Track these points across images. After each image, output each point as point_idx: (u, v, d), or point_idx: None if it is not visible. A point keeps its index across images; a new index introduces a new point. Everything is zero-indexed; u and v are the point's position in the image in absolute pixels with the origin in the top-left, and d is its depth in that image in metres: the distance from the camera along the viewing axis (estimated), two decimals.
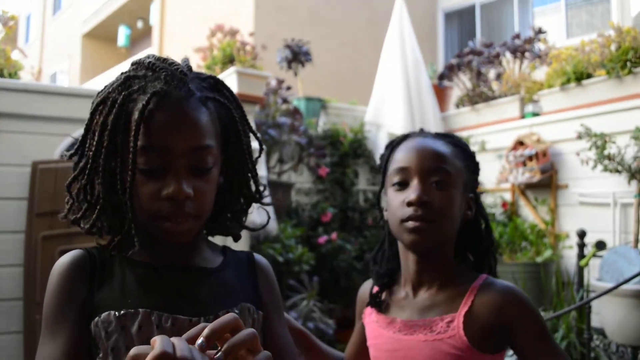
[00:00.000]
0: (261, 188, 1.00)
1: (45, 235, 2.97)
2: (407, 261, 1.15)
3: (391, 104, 4.55)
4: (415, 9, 5.08)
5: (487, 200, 4.55)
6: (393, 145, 1.20)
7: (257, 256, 1.01)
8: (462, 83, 4.94)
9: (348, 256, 4.08)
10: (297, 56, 4.55)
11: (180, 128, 0.82)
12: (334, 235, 4.08)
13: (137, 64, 0.87)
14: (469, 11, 8.94)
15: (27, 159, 3.02)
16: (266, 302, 0.95)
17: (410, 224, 1.07)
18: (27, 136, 3.08)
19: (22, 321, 2.92)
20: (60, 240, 3.03)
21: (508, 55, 4.77)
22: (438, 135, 1.19)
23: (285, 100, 3.81)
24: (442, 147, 1.13)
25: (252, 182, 0.96)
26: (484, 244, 1.19)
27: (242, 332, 0.63)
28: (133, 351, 0.58)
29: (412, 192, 1.08)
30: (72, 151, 0.89)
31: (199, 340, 0.61)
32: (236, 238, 1.01)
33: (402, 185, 1.11)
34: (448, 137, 1.19)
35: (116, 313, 0.81)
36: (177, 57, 0.93)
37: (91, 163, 0.84)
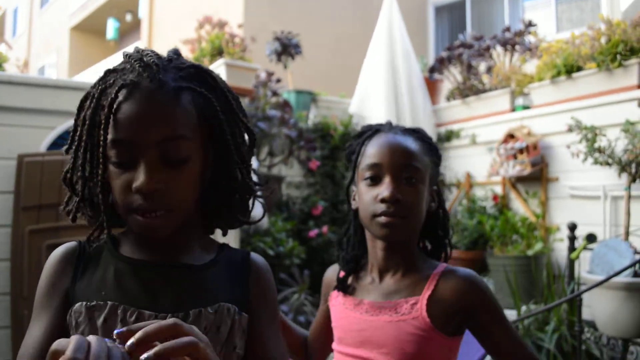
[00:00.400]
0: (255, 179, 0.97)
1: (32, 229, 2.93)
2: (375, 249, 1.21)
3: (378, 96, 4.53)
4: (405, 2, 5.06)
5: (478, 193, 4.55)
6: (364, 139, 1.23)
7: (255, 257, 0.98)
8: (452, 76, 4.93)
9: None
10: (287, 49, 4.52)
11: (148, 119, 0.80)
12: (324, 228, 4.07)
13: (123, 57, 0.86)
14: (460, 5, 8.92)
15: (12, 152, 2.98)
16: (255, 304, 0.91)
17: (383, 219, 1.13)
18: (13, 129, 3.04)
19: (9, 316, 2.88)
20: (48, 234, 2.99)
21: (498, 48, 4.76)
22: (407, 131, 1.23)
23: (275, 93, 3.78)
24: (412, 144, 1.19)
25: (238, 174, 0.92)
26: (442, 234, 1.27)
27: (181, 338, 0.62)
28: (54, 346, 0.59)
29: (385, 189, 1.13)
30: (66, 146, 0.89)
31: (129, 342, 0.59)
32: (224, 232, 0.99)
33: (374, 180, 1.16)
34: (416, 133, 1.23)
35: (87, 304, 0.82)
36: (166, 50, 0.91)
37: (73, 157, 0.85)
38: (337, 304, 1.25)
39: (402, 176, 1.14)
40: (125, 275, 0.86)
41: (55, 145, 3.15)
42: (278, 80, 3.85)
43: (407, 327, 1.10)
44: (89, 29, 13.24)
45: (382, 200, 1.12)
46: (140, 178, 0.78)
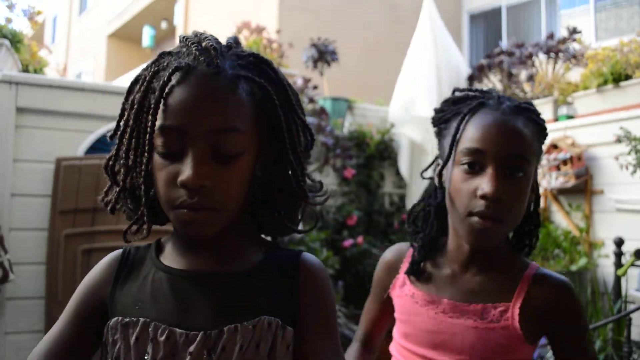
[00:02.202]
0: (310, 183, 0.88)
1: (68, 234, 2.93)
2: (458, 240, 1.06)
3: (421, 103, 4.44)
4: (439, 10, 4.96)
5: None
6: (465, 114, 1.04)
7: (307, 257, 0.86)
8: (492, 84, 4.82)
9: (374, 260, 3.97)
10: (324, 55, 4.47)
11: (199, 108, 0.73)
12: (359, 238, 3.99)
13: (180, 41, 0.81)
14: (495, 13, 8.79)
15: (50, 156, 2.99)
16: (305, 314, 0.81)
17: (477, 221, 0.96)
18: (51, 132, 3.05)
19: (43, 320, 2.88)
20: (83, 239, 2.99)
21: (541, 55, 4.63)
22: (518, 110, 1.02)
23: (311, 100, 3.73)
24: (524, 128, 0.99)
25: (293, 177, 0.83)
26: (532, 225, 1.11)
27: None
28: None
29: (486, 184, 0.95)
30: (111, 132, 0.83)
31: None
32: (273, 239, 0.91)
33: (474, 167, 0.99)
34: (527, 112, 1.02)
35: (121, 320, 0.77)
36: None
37: (117, 143, 0.79)
38: (403, 294, 1.10)
39: (508, 168, 0.97)
40: (162, 286, 0.80)
41: (92, 149, 3.15)
42: (315, 87, 3.80)
43: (495, 337, 0.98)
44: (125, 37, 13.47)
45: (482, 197, 0.95)
46: (186, 171, 0.71)
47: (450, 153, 1.04)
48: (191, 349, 0.73)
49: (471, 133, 1.00)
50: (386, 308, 1.17)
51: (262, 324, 0.76)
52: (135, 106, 0.76)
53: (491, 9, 8.86)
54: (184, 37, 0.80)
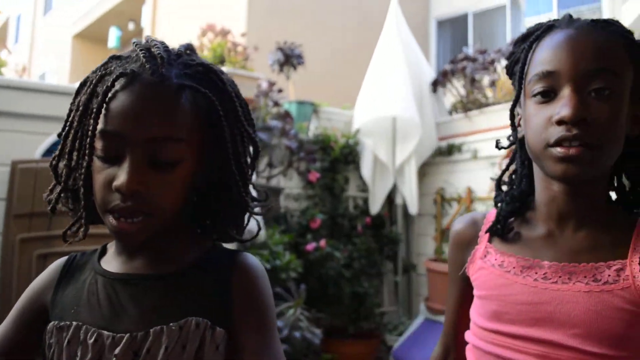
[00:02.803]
0: (254, 194, 0.90)
1: (23, 238, 2.86)
2: (550, 191, 0.89)
3: (384, 108, 4.48)
4: (407, 16, 5.02)
5: (479, 208, 4.49)
6: (532, 39, 0.90)
7: (244, 258, 0.85)
8: (455, 89, 4.89)
9: (337, 264, 4.00)
10: (289, 59, 4.48)
11: (141, 114, 0.74)
12: (322, 242, 4.00)
13: (132, 45, 0.82)
14: (462, 19, 8.93)
15: (6, 158, 2.92)
16: (240, 315, 0.80)
17: (561, 150, 0.80)
18: (7, 134, 2.98)
19: None
20: (39, 243, 2.92)
21: (503, 62, 4.72)
22: (596, 24, 0.86)
23: (276, 103, 3.73)
24: (604, 39, 0.83)
25: (235, 187, 0.84)
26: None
27: None
28: None
29: (564, 107, 0.80)
30: (59, 130, 0.85)
31: None
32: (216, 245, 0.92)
33: (548, 95, 0.84)
34: (610, 25, 0.86)
35: (57, 324, 0.79)
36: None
37: (62, 144, 0.81)
38: (488, 265, 0.93)
39: (590, 87, 0.81)
40: (97, 290, 0.82)
41: (50, 152, 3.09)
42: (280, 91, 3.80)
43: (615, 301, 0.79)
44: (91, 37, 13.25)
45: (560, 122, 0.80)
46: (121, 176, 0.73)
47: (520, 87, 0.90)
48: (117, 351, 0.75)
49: (540, 56, 0.86)
50: (467, 293, 0.99)
51: (189, 324, 0.77)
52: (80, 108, 0.78)
53: (458, 16, 9.00)
54: (135, 43, 0.81)
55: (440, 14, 9.22)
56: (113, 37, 12.75)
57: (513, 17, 8.20)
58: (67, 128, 0.81)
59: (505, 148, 1.03)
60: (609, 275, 0.81)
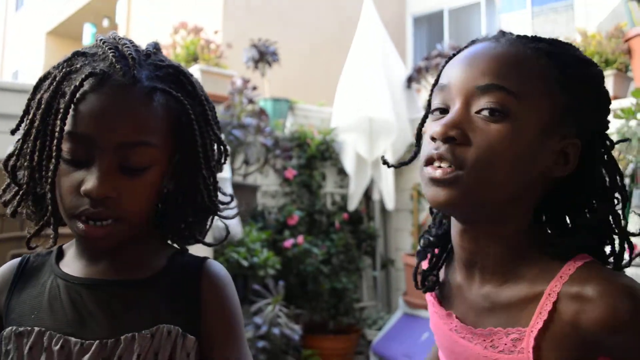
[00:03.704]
0: (223, 198, 0.89)
1: None
2: (453, 230, 0.81)
3: (358, 105, 4.50)
4: (383, 13, 5.05)
5: None
6: (452, 54, 0.82)
7: (210, 265, 0.85)
8: (429, 85, 4.93)
9: (315, 260, 4.01)
10: (264, 56, 4.47)
11: (111, 118, 0.72)
12: (300, 238, 4.01)
13: (95, 41, 0.78)
14: (438, 16, 8.99)
15: None
16: (208, 322, 0.81)
17: (428, 171, 0.73)
18: None
19: None
20: (12, 244, 2.88)
21: None
22: (520, 38, 0.76)
23: (251, 101, 3.72)
24: (510, 51, 0.73)
25: (205, 192, 0.83)
26: (598, 215, 0.76)
27: None
28: None
29: (436, 123, 0.73)
30: (14, 127, 0.81)
31: None
32: (180, 247, 0.90)
33: (441, 112, 0.76)
34: (538, 41, 0.75)
35: (16, 329, 0.75)
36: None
37: (21, 143, 0.77)
38: (430, 308, 0.91)
39: (479, 103, 0.71)
40: (59, 294, 0.78)
41: None
42: (254, 88, 3.79)
43: None
44: (65, 34, 13.03)
45: (432, 138, 0.73)
46: (91, 181, 0.71)
47: (429, 103, 0.83)
48: (85, 358, 0.73)
49: (444, 71, 0.80)
50: None
51: (161, 332, 0.76)
52: (43, 106, 0.74)
53: (434, 12, 9.05)
54: (101, 40, 0.77)
55: (417, 10, 9.27)
56: (88, 34, 12.56)
57: (488, 14, 8.29)
58: (27, 126, 0.76)
59: (395, 166, 0.94)
60: (505, 344, 0.73)
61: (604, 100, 0.78)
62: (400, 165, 0.94)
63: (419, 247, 0.93)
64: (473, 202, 0.72)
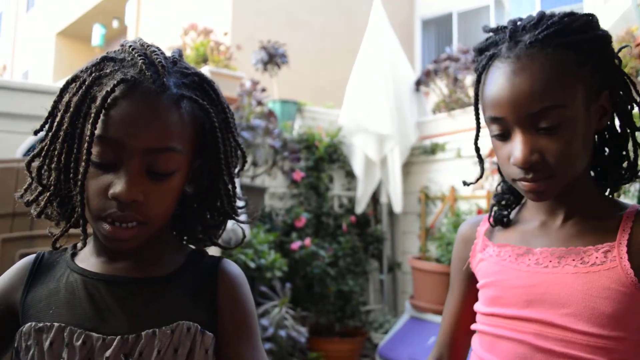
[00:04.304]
0: (239, 204, 0.91)
1: (5, 238, 2.84)
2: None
3: (368, 108, 4.50)
4: (392, 16, 5.05)
5: (462, 207, 4.53)
6: (479, 75, 0.92)
7: (226, 265, 0.88)
8: (439, 89, 4.92)
9: (322, 262, 4.01)
10: (273, 58, 4.48)
11: (141, 124, 0.73)
12: (307, 241, 4.01)
13: (122, 46, 0.80)
14: (446, 19, 8.98)
15: None
16: (225, 320, 0.83)
17: (524, 185, 0.87)
18: None
19: None
20: (21, 243, 2.90)
21: None
22: (538, 44, 0.83)
23: (259, 103, 3.73)
24: (548, 65, 0.82)
25: (225, 197, 0.86)
26: (621, 157, 0.94)
27: None
28: None
29: (516, 150, 0.84)
30: (37, 128, 0.82)
31: None
32: (197, 248, 0.92)
33: (503, 137, 0.88)
34: (559, 36, 0.83)
35: (35, 325, 0.76)
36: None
37: (48, 144, 0.78)
38: (486, 257, 0.99)
39: (538, 125, 0.83)
40: (77, 289, 0.80)
41: (31, 151, 3.07)
42: (263, 90, 3.80)
43: (601, 281, 0.83)
44: (74, 35, 13.12)
45: (515, 165, 0.86)
46: (119, 185, 0.72)
47: (478, 124, 0.99)
48: (108, 353, 0.74)
49: (487, 97, 0.88)
50: (469, 290, 1.05)
51: (181, 328, 0.77)
52: (71, 110, 0.75)
53: (442, 15, 9.05)
54: (129, 46, 0.79)
55: (425, 13, 9.26)
56: (97, 35, 12.64)
57: (497, 17, 8.27)
58: (54, 128, 0.78)
59: (472, 183, 1.07)
60: (597, 258, 0.85)
61: (611, 58, 0.90)
62: (471, 184, 1.07)
63: (495, 193, 1.06)
64: (567, 185, 0.87)
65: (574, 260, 0.87)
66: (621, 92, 0.91)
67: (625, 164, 0.94)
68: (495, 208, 1.04)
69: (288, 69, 4.87)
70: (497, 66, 0.87)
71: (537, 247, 0.92)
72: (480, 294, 1.00)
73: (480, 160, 1.05)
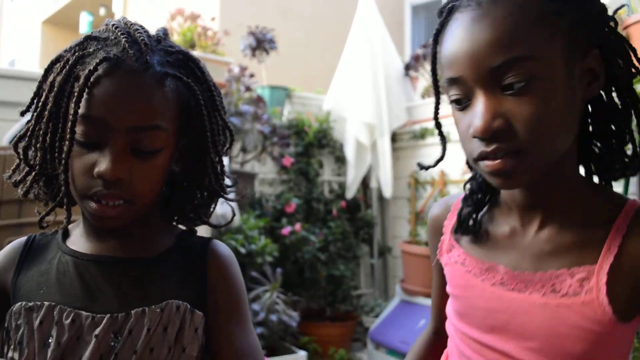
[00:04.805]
0: (227, 182, 0.92)
1: None
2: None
3: (355, 92, 4.50)
4: (381, 1, 5.03)
5: (452, 190, 4.55)
6: (436, 31, 0.77)
7: (216, 245, 0.89)
8: (427, 74, 4.92)
9: (312, 247, 4.03)
10: (262, 43, 4.45)
11: (125, 102, 0.74)
12: (297, 226, 4.02)
13: (105, 25, 0.80)
14: (436, 4, 8.96)
15: None
16: (214, 299, 0.84)
17: (486, 165, 0.70)
18: None
19: None
20: (9, 231, 2.88)
21: None
22: None
23: (248, 88, 3.71)
24: (512, 9, 0.66)
25: (212, 175, 0.87)
26: (618, 133, 0.75)
27: None
28: None
29: (476, 117, 0.69)
30: (23, 108, 0.82)
31: None
32: (187, 228, 0.93)
33: (462, 102, 0.73)
34: None
35: (25, 304, 0.77)
36: None
37: (33, 124, 0.78)
38: (451, 261, 0.86)
39: (502, 83, 0.67)
40: (68, 270, 0.81)
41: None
42: (251, 75, 3.78)
43: (572, 317, 0.69)
44: (61, 23, 12.97)
45: (475, 136, 0.70)
46: (104, 163, 0.73)
47: (437, 91, 0.84)
48: (97, 331, 0.75)
49: (444, 56, 0.74)
50: (443, 278, 0.91)
51: (170, 307, 0.78)
52: (55, 89, 0.76)
53: (432, 1, 9.02)
54: (113, 25, 0.79)
55: None
56: (84, 22, 12.48)
57: None
58: (39, 108, 0.78)
59: (431, 167, 0.94)
60: (570, 286, 0.70)
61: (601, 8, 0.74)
62: (437, 164, 0.94)
63: (465, 193, 0.90)
64: (542, 167, 0.70)
65: (543, 287, 0.72)
66: (618, 60, 0.74)
67: (629, 149, 0.76)
68: (463, 207, 0.88)
69: (277, 55, 4.84)
70: (456, 18, 0.72)
71: (502, 264, 0.78)
72: (450, 300, 0.90)
73: (442, 138, 0.91)
